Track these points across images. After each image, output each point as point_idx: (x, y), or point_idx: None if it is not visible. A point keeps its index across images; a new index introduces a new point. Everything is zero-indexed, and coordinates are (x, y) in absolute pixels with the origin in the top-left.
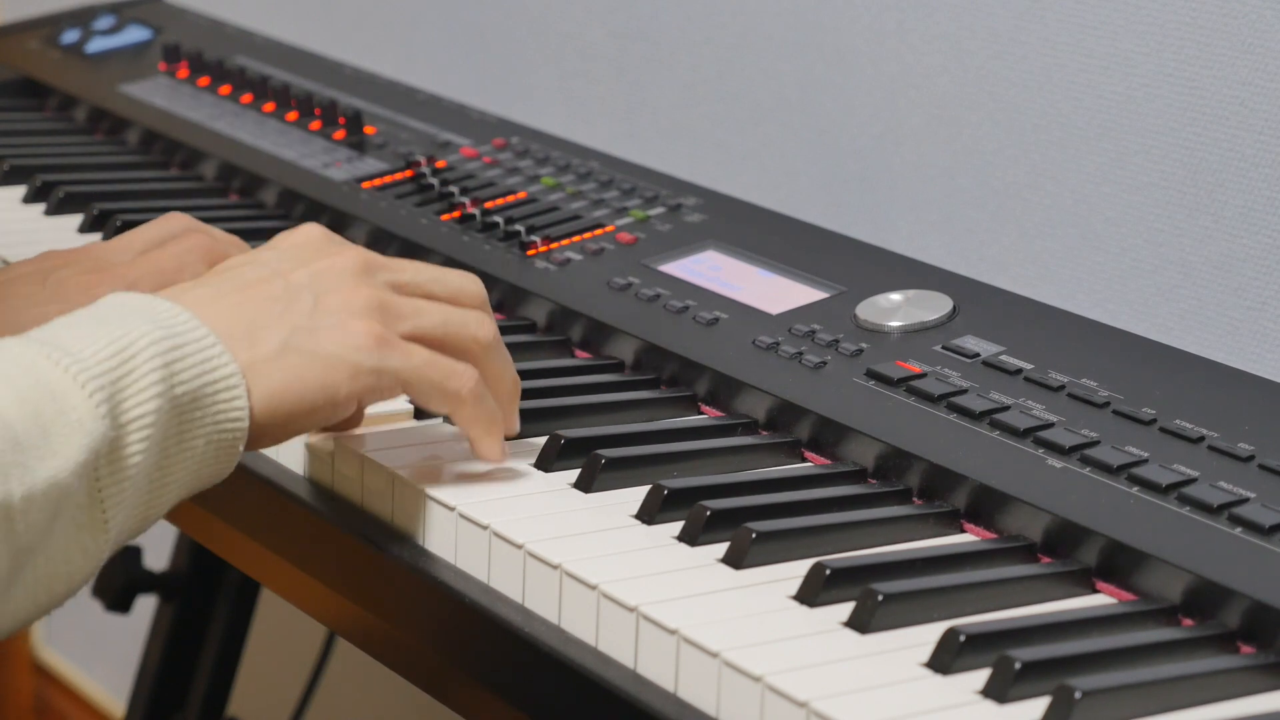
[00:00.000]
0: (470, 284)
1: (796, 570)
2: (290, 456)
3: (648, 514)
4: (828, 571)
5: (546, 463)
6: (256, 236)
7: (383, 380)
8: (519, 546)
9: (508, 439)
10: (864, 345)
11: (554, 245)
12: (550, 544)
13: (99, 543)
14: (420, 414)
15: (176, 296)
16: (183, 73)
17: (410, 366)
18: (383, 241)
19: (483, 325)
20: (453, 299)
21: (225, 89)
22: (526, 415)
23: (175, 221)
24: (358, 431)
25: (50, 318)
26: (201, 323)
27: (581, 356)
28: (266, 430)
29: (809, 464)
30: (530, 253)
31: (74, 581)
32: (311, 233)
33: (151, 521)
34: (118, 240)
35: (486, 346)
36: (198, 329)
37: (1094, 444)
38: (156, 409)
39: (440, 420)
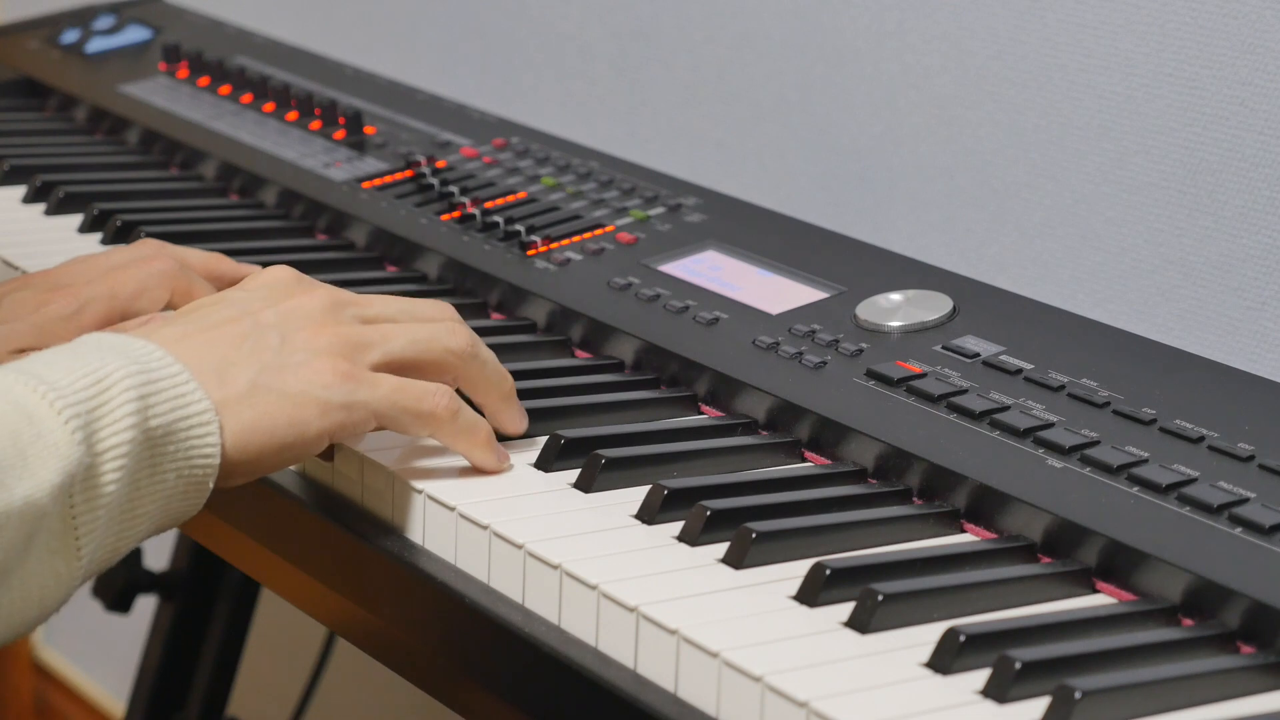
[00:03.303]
0: (441, 310)
1: (796, 570)
2: None
3: (648, 514)
4: (828, 571)
5: (546, 463)
6: (256, 236)
7: (354, 414)
8: (519, 546)
9: (515, 438)
10: (864, 345)
11: (554, 245)
12: (550, 544)
13: (71, 569)
14: None
15: (147, 336)
16: (183, 73)
17: (379, 396)
18: (383, 241)
19: (454, 334)
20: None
21: (225, 89)
22: (527, 415)
23: (146, 246)
24: None
25: None
26: (175, 359)
27: (581, 356)
28: (237, 467)
29: (809, 464)
30: (530, 253)
31: (46, 607)
32: (281, 274)
33: (120, 554)
34: (87, 259)
35: (463, 355)
36: (171, 365)
37: (1094, 444)
38: (130, 439)
39: None
